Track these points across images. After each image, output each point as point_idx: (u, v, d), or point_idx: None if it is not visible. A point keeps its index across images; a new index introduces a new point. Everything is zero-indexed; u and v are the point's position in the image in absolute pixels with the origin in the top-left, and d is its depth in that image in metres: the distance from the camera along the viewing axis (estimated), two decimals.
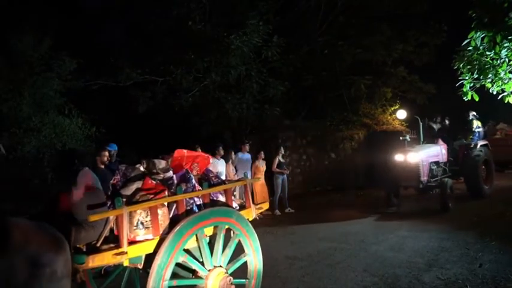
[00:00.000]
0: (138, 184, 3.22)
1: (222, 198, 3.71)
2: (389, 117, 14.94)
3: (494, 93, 5.57)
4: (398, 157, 8.50)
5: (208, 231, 3.28)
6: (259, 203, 8.84)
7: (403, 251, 5.78)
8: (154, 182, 3.23)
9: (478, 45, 5.19)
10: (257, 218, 8.90)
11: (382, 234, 6.73)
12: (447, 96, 9.75)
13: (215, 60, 10.60)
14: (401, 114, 14.62)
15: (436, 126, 10.20)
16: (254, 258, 3.61)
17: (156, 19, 10.80)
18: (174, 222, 3.05)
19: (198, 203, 3.41)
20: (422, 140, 9.53)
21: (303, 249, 6.15)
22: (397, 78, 14.92)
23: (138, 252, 2.88)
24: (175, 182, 3.41)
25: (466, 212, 8.36)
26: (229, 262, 3.42)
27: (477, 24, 5.14)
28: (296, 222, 8.24)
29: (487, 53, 5.29)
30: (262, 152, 9.45)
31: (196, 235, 3.08)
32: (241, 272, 3.67)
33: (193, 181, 3.49)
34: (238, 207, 3.87)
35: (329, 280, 4.78)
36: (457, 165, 9.49)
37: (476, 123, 9.90)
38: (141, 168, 3.42)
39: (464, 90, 5.71)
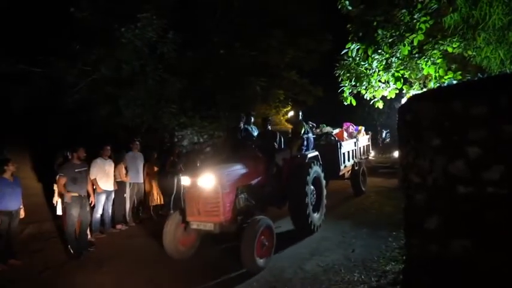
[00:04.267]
0: None
1: None
2: (282, 118, 15.87)
3: (368, 98, 6.32)
4: (186, 181, 5.49)
5: None
6: (155, 204, 8.44)
7: (289, 243, 6.17)
8: None
9: (354, 55, 5.82)
10: (155, 218, 8.61)
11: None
12: (334, 99, 9.87)
13: (105, 53, 9.77)
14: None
15: (250, 129, 7.50)
16: None
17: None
18: None
19: None
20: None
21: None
22: (289, 81, 15.92)
23: None
24: None
25: (346, 203, 9.40)
26: None
27: (353, 37, 5.77)
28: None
29: (362, 63, 5.98)
30: (155, 152, 9.16)
31: None
32: None
33: None
34: None
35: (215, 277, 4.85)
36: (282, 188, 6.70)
37: (304, 127, 7.53)
38: None
39: (345, 95, 6.36)
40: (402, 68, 5.66)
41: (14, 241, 5.95)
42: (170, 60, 11.03)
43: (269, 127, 7.20)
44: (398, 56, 5.49)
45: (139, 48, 10.02)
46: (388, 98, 6.20)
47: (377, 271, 4.72)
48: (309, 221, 6.51)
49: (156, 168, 8.97)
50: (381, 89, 6.08)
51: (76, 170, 6.26)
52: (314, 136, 8.34)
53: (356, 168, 10.48)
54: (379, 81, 5.99)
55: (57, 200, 6.58)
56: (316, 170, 7.15)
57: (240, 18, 13.82)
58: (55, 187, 6.78)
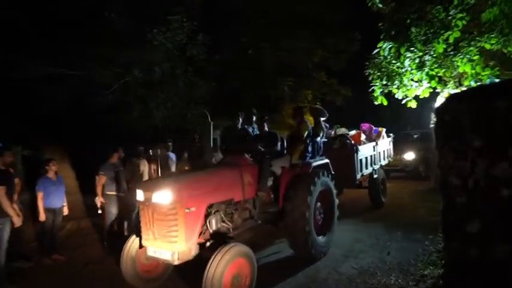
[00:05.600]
0: None
1: None
2: (310, 118, 15.73)
3: (400, 98, 6.19)
4: (139, 195, 4.26)
5: None
6: None
7: None
8: None
9: (386, 54, 5.71)
10: None
11: None
12: (363, 99, 8.76)
13: (137, 56, 10.08)
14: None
15: (251, 130, 6.24)
16: None
17: (65, 5, 9.70)
18: None
19: None
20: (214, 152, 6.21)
21: None
22: (317, 82, 15.77)
23: None
24: None
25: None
26: None
27: (385, 35, 5.67)
28: None
29: (394, 62, 5.86)
30: (186, 152, 9.34)
31: None
32: None
33: None
34: None
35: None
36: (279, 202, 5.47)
37: (309, 129, 5.98)
38: None
39: (375, 95, 6.25)
40: (436, 66, 5.50)
41: (57, 237, 6.25)
42: (199, 63, 11.22)
43: (266, 128, 6.02)
44: (432, 54, 5.36)
45: (170, 51, 10.26)
46: (421, 97, 6.05)
47: (415, 275, 4.60)
48: (308, 243, 5.12)
49: (187, 168, 9.14)
50: (414, 88, 5.94)
51: (115, 170, 6.48)
52: (325, 140, 6.77)
53: (375, 176, 8.91)
54: (412, 80, 5.86)
55: (98, 198, 6.70)
56: (325, 181, 5.78)
57: (268, 19, 13.86)
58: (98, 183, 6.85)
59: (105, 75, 10.06)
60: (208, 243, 4.32)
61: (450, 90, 5.68)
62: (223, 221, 4.61)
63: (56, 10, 9.78)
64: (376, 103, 6.34)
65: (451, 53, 5.34)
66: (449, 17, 4.97)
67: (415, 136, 15.65)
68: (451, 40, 5.00)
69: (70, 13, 9.72)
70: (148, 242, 4.18)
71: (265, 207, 5.35)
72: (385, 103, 6.27)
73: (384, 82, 6.16)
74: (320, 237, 5.56)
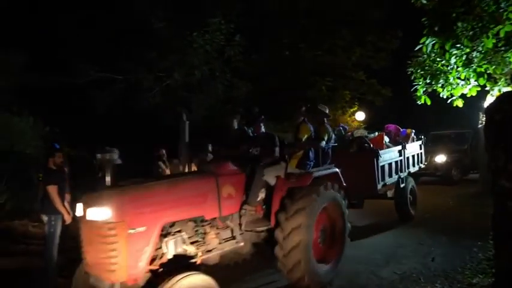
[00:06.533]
0: None
1: None
2: (348, 119, 15.47)
3: (445, 97, 5.92)
4: (78, 209, 3.51)
5: None
6: None
7: (363, 247, 5.99)
8: None
9: (429, 51, 5.48)
10: None
11: None
12: (403, 99, 8.73)
13: (178, 59, 10.44)
14: (360, 115, 15.35)
15: (250, 131, 5.35)
16: None
17: (115, 14, 10.37)
18: None
19: None
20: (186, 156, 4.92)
21: None
22: (356, 81, 15.45)
23: None
24: None
25: (418, 209, 8.85)
26: None
27: (428, 31, 5.43)
28: None
29: (438, 59, 5.62)
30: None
31: None
32: None
33: None
34: None
35: None
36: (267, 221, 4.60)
37: (311, 131, 5.08)
38: None
39: (418, 94, 6.02)
40: (485, 62, 5.20)
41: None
42: (237, 63, 11.38)
43: (263, 129, 5.18)
44: (480, 49, 5.07)
45: (209, 53, 10.51)
46: (468, 96, 5.75)
47: (462, 283, 4.36)
48: (304, 278, 4.21)
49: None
50: (460, 87, 5.66)
51: (159, 170, 6.69)
52: (335, 144, 5.59)
53: (402, 185, 7.76)
54: (458, 78, 5.59)
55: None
56: (331, 196, 4.77)
57: (306, 18, 13.79)
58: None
59: (148, 78, 10.51)
60: (163, 271, 3.44)
61: (501, 88, 5.36)
62: (189, 244, 3.75)
63: (106, 19, 10.48)
64: (419, 103, 6.12)
65: (502, 48, 5.03)
66: (501, 10, 4.68)
67: (447, 137, 14.38)
68: (501, 34, 4.70)
69: (119, 23, 10.35)
70: (87, 268, 3.43)
71: (253, 225, 4.41)
72: (429, 102, 6.02)
73: (428, 81, 5.92)
74: (322, 264, 4.58)
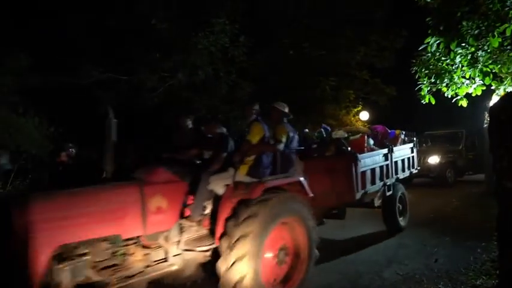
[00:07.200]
0: None
1: None
2: (352, 119, 15.41)
3: (449, 96, 5.87)
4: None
5: None
6: None
7: (365, 248, 5.96)
8: None
9: (434, 50, 5.44)
10: None
11: (343, 233, 6.93)
12: (408, 98, 8.50)
13: (181, 60, 10.44)
14: (364, 115, 15.29)
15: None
16: None
17: (117, 15, 10.39)
18: None
19: None
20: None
21: None
22: (360, 81, 15.37)
23: None
24: None
25: (423, 209, 8.80)
26: None
27: (433, 30, 5.39)
28: None
29: (443, 58, 5.58)
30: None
31: None
32: None
33: None
34: None
35: None
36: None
37: (264, 131, 4.24)
38: None
39: (422, 93, 5.99)
40: (491, 62, 5.16)
41: None
42: (241, 64, 11.36)
43: (220, 130, 4.63)
44: (486, 49, 5.04)
45: (214, 54, 10.50)
46: (473, 95, 5.71)
47: (466, 284, 4.32)
48: (244, 287, 3.48)
49: None
50: (465, 86, 5.63)
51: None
52: (300, 148, 5.08)
53: (389, 193, 6.83)
54: (463, 77, 5.55)
55: None
56: (292, 209, 4.06)
57: (309, 18, 13.74)
58: None
59: (152, 79, 10.52)
60: None
61: (507, 87, 5.31)
62: (99, 269, 3.13)
63: (110, 20, 10.53)
64: (423, 102, 6.08)
65: (508, 47, 5.00)
66: (506, 9, 4.64)
67: (441, 137, 13.89)
68: (508, 33, 4.67)
69: (123, 23, 10.39)
70: None
71: (194, 243, 3.75)
72: (433, 102, 5.98)
73: (432, 80, 5.88)
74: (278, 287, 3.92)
